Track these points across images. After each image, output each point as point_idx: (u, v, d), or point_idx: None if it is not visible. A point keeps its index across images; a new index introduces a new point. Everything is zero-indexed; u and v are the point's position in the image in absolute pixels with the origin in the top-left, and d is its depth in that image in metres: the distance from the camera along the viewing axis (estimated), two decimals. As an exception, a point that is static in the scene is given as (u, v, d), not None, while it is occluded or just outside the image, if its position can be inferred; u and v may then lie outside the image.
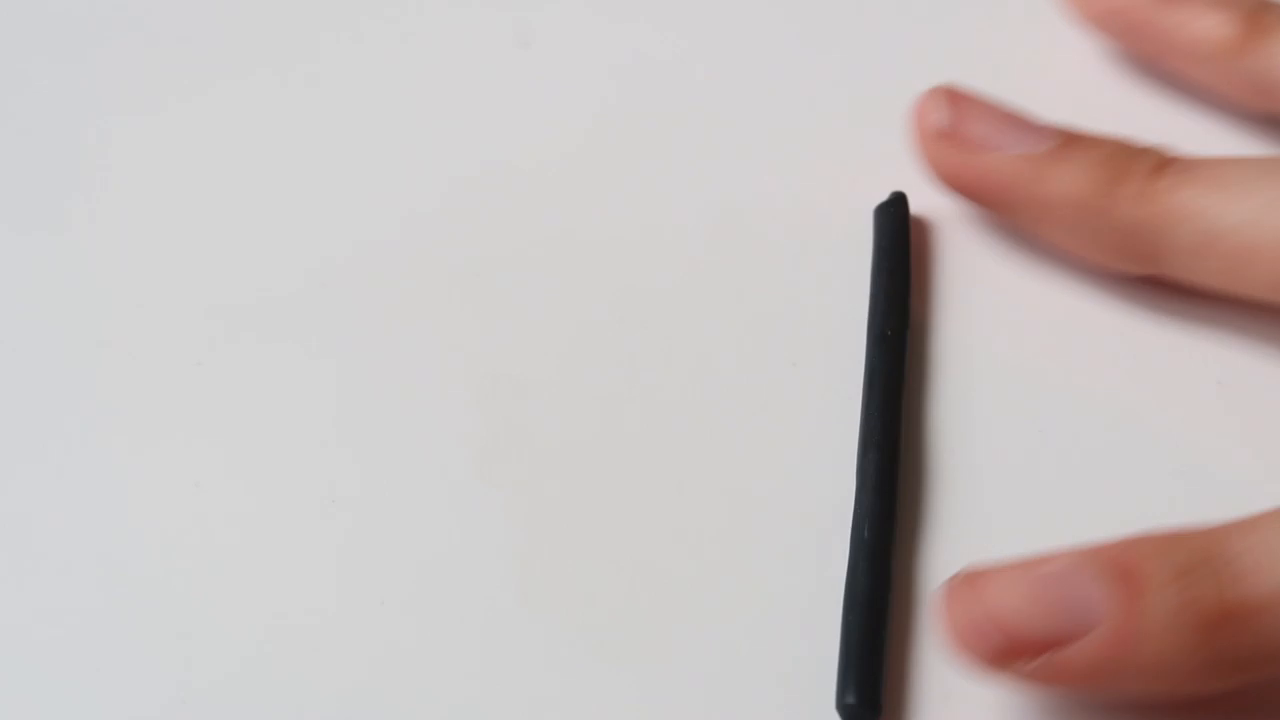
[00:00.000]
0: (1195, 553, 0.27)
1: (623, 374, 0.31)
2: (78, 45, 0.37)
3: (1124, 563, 0.27)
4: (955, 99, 0.33)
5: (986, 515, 0.29)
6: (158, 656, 0.28)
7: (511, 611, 0.28)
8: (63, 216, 0.34)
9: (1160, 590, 0.26)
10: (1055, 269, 0.32)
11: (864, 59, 0.36)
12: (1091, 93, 0.35)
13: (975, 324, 0.32)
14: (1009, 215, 0.33)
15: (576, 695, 0.28)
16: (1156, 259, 0.31)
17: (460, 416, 0.31)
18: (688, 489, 0.30)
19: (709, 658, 0.28)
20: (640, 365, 0.32)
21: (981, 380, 0.31)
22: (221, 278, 0.33)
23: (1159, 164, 0.31)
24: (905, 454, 0.30)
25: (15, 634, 0.28)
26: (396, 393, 0.31)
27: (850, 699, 0.27)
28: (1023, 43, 0.36)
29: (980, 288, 0.32)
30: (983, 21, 0.36)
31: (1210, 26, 0.33)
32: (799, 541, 0.29)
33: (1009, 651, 0.26)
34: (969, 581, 0.27)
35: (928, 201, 0.33)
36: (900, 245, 0.32)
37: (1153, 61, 0.35)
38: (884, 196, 0.33)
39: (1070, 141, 0.32)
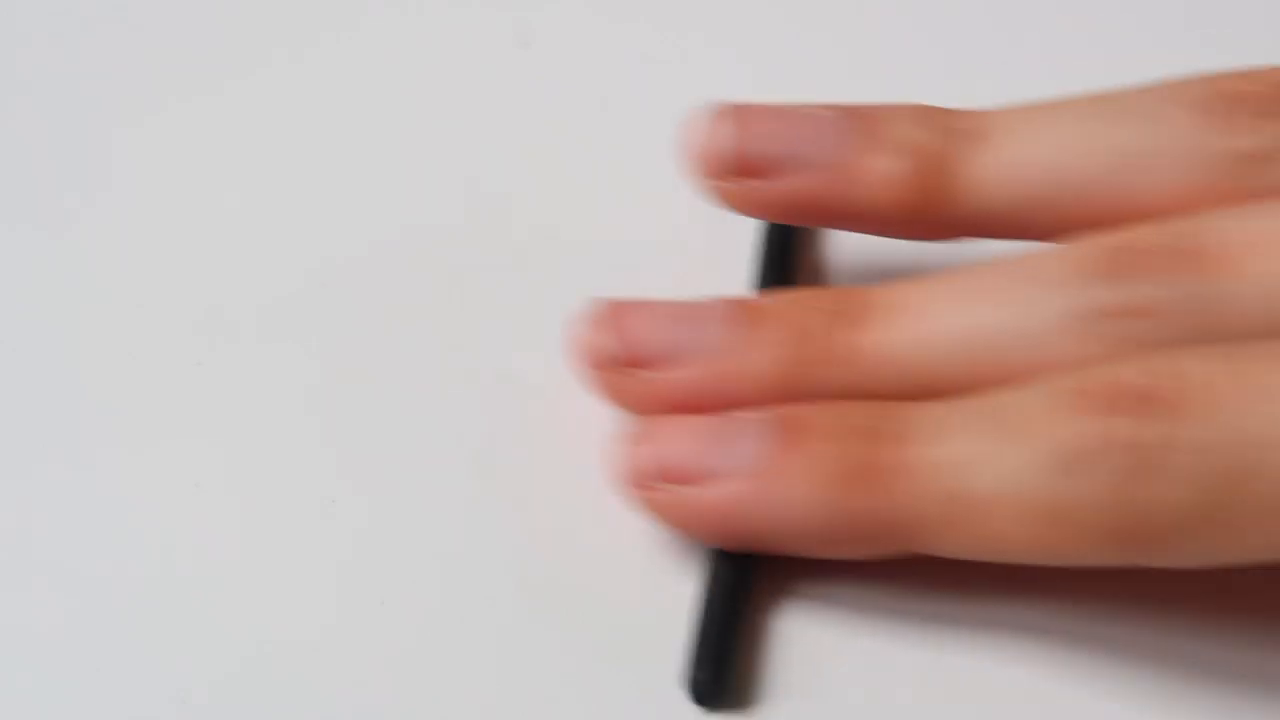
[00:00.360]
0: (870, 414, 0.26)
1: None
2: (77, 44, 0.37)
3: (795, 416, 0.27)
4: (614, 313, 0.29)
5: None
6: (156, 657, 0.28)
7: (511, 611, 0.28)
8: (63, 216, 0.34)
9: (815, 441, 0.26)
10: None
11: (866, 59, 0.36)
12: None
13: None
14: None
15: (577, 695, 0.28)
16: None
17: (460, 416, 0.31)
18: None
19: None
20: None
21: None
22: (221, 278, 0.33)
23: (858, 307, 0.28)
24: None
25: (13, 634, 0.28)
26: (397, 392, 0.31)
27: (699, 674, 0.27)
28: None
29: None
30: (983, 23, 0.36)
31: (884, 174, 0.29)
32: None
33: (655, 476, 0.27)
34: (639, 436, 0.28)
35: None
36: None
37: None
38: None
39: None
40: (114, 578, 0.29)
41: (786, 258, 0.32)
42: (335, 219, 0.34)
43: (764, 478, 0.26)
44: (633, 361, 0.28)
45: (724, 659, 0.27)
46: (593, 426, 0.30)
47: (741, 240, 0.33)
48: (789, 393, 0.28)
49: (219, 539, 0.29)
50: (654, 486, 0.27)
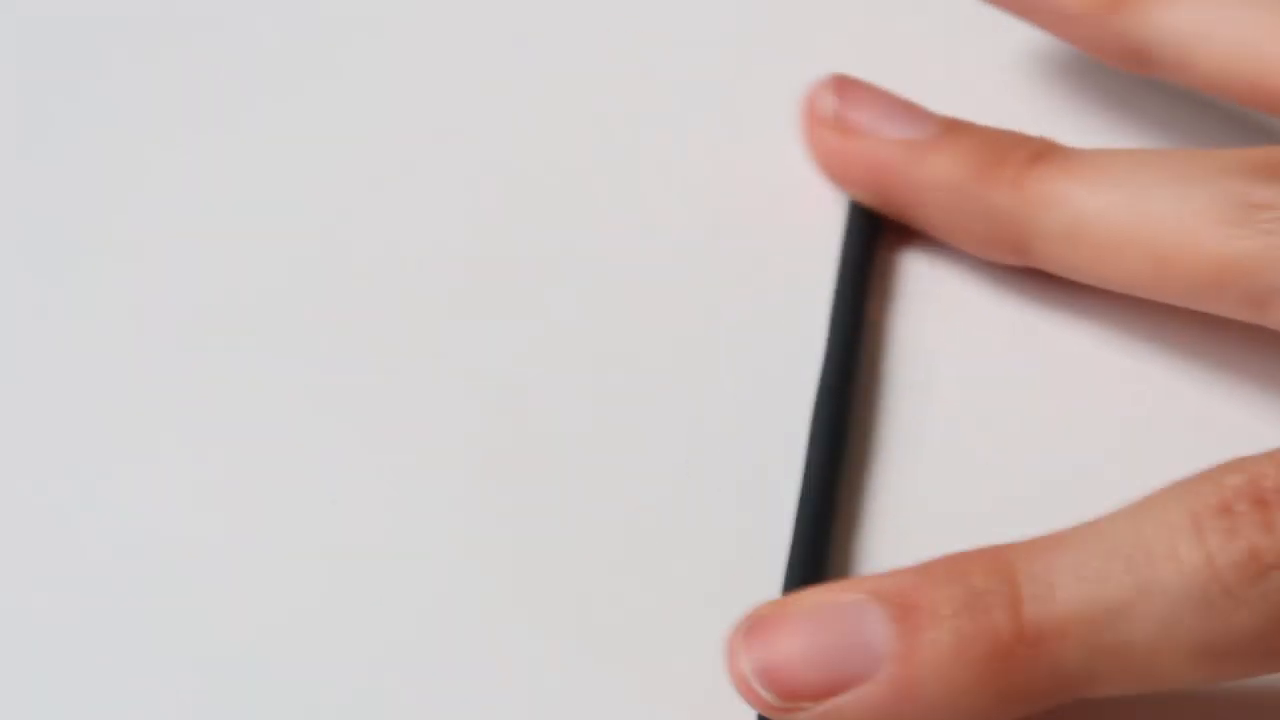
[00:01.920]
0: (982, 578, 0.25)
1: (617, 373, 0.32)
2: (76, 49, 0.38)
3: (906, 597, 0.25)
4: (843, 86, 0.33)
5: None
6: (153, 658, 0.28)
7: (511, 611, 0.28)
8: (62, 217, 0.34)
9: (941, 624, 0.25)
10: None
11: (869, 61, 0.35)
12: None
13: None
14: (886, 202, 0.32)
15: (576, 695, 0.28)
16: (1026, 248, 0.31)
17: (461, 417, 0.31)
18: (681, 485, 0.30)
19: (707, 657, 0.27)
20: (637, 366, 0.32)
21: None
22: (222, 278, 0.33)
23: (1038, 152, 0.31)
24: (851, 451, 0.30)
25: (11, 635, 0.28)
26: (397, 393, 0.31)
27: None
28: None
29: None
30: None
31: None
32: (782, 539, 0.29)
33: (791, 701, 0.25)
34: (751, 631, 0.26)
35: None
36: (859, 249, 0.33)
37: (1028, 24, 0.34)
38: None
39: (952, 128, 0.32)
40: (110, 578, 0.29)
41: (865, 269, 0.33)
42: (340, 218, 0.34)
43: (901, 677, 0.25)
44: (840, 125, 0.32)
45: None
46: (589, 430, 0.31)
47: (734, 239, 0.34)
48: (956, 198, 0.31)
49: (217, 539, 0.29)
50: (790, 710, 0.25)
